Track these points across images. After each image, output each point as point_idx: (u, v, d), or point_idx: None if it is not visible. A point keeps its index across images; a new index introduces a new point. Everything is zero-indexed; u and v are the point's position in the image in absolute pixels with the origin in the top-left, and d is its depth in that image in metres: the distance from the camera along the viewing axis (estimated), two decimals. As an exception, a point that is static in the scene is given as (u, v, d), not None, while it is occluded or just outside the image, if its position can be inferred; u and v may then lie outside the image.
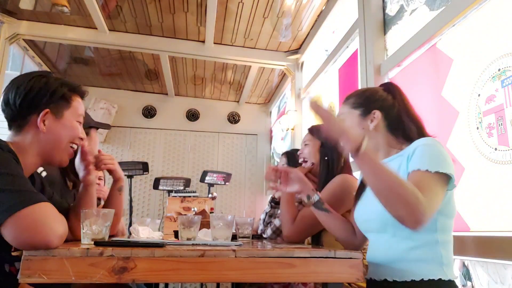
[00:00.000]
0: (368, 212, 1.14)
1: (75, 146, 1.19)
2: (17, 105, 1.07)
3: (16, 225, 0.84)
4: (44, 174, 1.39)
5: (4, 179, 0.90)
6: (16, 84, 1.10)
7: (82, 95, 1.20)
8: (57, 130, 1.11)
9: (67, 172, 1.55)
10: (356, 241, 1.31)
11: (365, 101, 1.23)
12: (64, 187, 1.58)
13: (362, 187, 1.24)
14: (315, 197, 1.33)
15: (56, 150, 1.12)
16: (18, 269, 0.83)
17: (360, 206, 1.21)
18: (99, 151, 1.43)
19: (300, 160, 1.76)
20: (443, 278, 1.00)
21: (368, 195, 1.17)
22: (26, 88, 1.08)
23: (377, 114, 1.18)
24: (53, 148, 1.11)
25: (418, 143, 1.05)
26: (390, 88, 1.26)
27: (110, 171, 1.46)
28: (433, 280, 0.99)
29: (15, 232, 0.85)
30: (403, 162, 1.06)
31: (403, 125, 1.17)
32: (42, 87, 1.09)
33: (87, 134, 1.49)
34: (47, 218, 0.87)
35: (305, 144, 1.76)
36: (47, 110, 1.08)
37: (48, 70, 4.26)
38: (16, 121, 1.09)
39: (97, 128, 1.73)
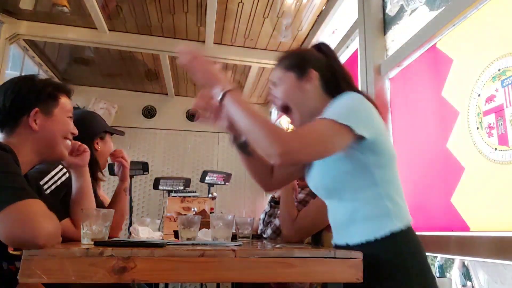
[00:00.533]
0: (315, 180, 1.14)
1: (69, 143, 1.24)
2: (7, 109, 1.12)
3: (5, 220, 0.85)
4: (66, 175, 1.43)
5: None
6: (3, 89, 1.16)
7: (67, 93, 1.26)
8: (50, 126, 1.16)
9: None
10: (271, 183, 1.31)
11: (300, 61, 1.17)
12: None
13: None
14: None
15: (51, 146, 1.17)
16: (18, 268, 0.83)
17: (310, 175, 1.19)
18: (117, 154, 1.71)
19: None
20: (395, 230, 0.98)
21: (315, 164, 1.15)
22: (14, 91, 1.14)
23: (314, 73, 1.14)
24: (48, 144, 1.16)
25: (337, 98, 1.05)
26: (322, 47, 1.22)
27: (123, 168, 1.71)
28: (386, 236, 0.98)
29: (4, 227, 0.85)
30: None
31: (337, 84, 1.13)
32: (29, 89, 1.16)
33: (102, 138, 1.58)
34: (35, 214, 0.87)
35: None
36: (37, 109, 1.14)
37: (48, 70, 4.26)
38: (7, 124, 1.14)
39: (112, 134, 1.77)
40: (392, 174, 1.06)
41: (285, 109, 1.18)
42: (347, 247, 1.05)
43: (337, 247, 1.10)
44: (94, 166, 1.57)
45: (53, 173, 1.38)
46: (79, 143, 1.35)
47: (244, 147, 1.24)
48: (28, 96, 1.14)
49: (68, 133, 1.22)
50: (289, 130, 1.80)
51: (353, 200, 1.03)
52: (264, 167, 1.29)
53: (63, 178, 1.40)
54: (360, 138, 0.98)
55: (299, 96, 1.13)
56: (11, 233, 0.85)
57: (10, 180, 0.93)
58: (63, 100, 1.22)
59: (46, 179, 1.34)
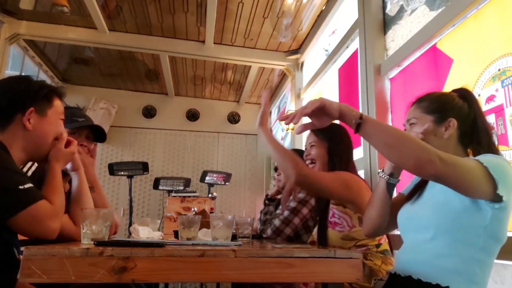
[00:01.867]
0: (413, 211, 1.12)
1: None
2: (2, 106, 1.15)
3: (19, 223, 0.99)
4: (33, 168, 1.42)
5: (13, 177, 1.02)
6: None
7: (61, 96, 1.29)
8: (43, 127, 1.19)
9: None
10: (383, 228, 1.25)
11: (440, 107, 1.14)
12: None
13: (414, 191, 1.20)
14: None
15: (42, 146, 1.20)
16: None
17: (407, 206, 1.17)
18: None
19: (308, 162, 1.73)
20: None
21: (419, 200, 1.13)
22: (11, 90, 1.17)
23: (453, 122, 1.11)
24: (39, 144, 1.19)
25: (488, 154, 1.01)
26: (466, 95, 1.17)
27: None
28: None
29: (20, 228, 1.01)
30: None
31: (475, 137, 1.10)
32: (25, 88, 1.18)
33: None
34: (46, 218, 1.03)
35: (312, 145, 1.74)
36: (32, 108, 1.16)
37: (48, 70, 4.26)
38: (0, 121, 1.16)
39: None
40: (495, 249, 1.02)
41: None
42: (409, 279, 1.03)
43: (395, 275, 1.07)
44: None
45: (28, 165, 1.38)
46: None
47: (392, 186, 1.19)
48: (25, 95, 1.17)
49: (59, 134, 1.25)
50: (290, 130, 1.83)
51: (448, 247, 1.00)
52: (388, 209, 1.22)
53: (33, 168, 1.40)
54: (497, 199, 0.95)
55: (433, 141, 1.08)
56: (27, 233, 1.02)
57: (16, 181, 1.00)
58: (57, 103, 1.25)
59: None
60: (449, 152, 1.02)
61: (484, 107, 1.42)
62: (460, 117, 1.12)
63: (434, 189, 1.09)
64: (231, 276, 0.87)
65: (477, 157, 0.99)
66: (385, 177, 1.16)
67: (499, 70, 1.38)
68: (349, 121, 1.02)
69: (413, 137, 0.98)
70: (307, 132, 1.84)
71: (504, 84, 1.34)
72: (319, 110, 1.04)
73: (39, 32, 3.49)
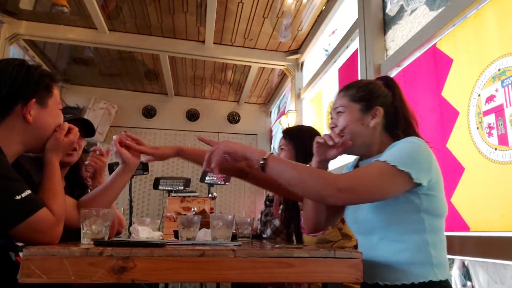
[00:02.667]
0: (356, 214, 1.12)
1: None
2: (2, 96, 1.04)
3: (21, 233, 0.95)
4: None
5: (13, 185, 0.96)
6: None
7: (57, 83, 1.20)
8: (45, 119, 1.11)
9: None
10: (323, 222, 1.26)
11: (367, 95, 1.14)
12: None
13: None
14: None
15: (42, 138, 1.12)
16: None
17: (350, 209, 1.17)
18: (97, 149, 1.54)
19: None
20: (434, 280, 0.98)
21: None
22: (10, 78, 1.06)
23: (379, 110, 1.12)
24: (39, 136, 1.11)
25: (399, 141, 1.03)
26: (390, 83, 1.19)
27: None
28: (424, 282, 0.98)
29: (22, 237, 0.97)
30: None
31: (399, 125, 1.12)
32: (25, 77, 1.08)
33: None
34: (47, 229, 0.99)
35: (281, 149, 1.73)
36: (34, 99, 1.07)
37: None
38: None
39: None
40: (440, 224, 1.06)
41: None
42: (378, 286, 1.03)
43: (365, 284, 1.06)
44: None
45: None
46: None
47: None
48: (26, 85, 1.07)
49: (58, 125, 1.16)
50: None
51: (398, 242, 1.02)
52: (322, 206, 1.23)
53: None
54: (418, 184, 0.98)
55: (359, 129, 1.11)
56: (28, 242, 0.95)
57: (12, 191, 0.94)
58: (55, 91, 1.16)
59: None
60: (375, 141, 1.11)
61: (484, 107, 1.42)
62: (385, 106, 1.13)
63: None
64: (231, 276, 0.87)
65: (384, 156, 1.00)
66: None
67: (499, 70, 1.38)
68: (254, 163, 1.07)
69: (313, 171, 1.05)
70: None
71: (504, 84, 1.34)
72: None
73: (39, 32, 3.49)
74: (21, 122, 1.06)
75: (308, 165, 1.26)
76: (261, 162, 1.05)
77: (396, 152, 1.00)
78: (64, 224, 1.07)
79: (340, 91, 1.22)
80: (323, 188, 0.97)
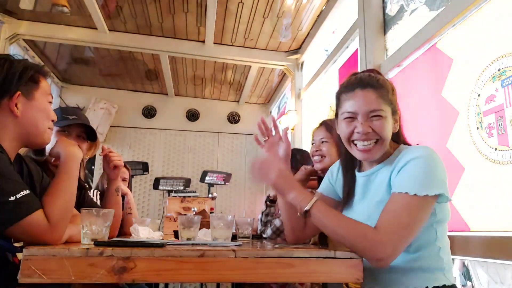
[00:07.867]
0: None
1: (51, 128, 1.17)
2: None
3: (17, 233, 0.93)
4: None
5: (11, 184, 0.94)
6: None
7: (46, 76, 1.19)
8: (32, 113, 1.09)
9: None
10: (304, 233, 1.23)
11: (394, 97, 1.06)
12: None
13: (351, 195, 1.16)
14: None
15: (34, 134, 1.10)
16: (20, 260, 0.83)
17: (353, 216, 1.10)
18: (104, 149, 1.53)
19: (317, 158, 1.70)
20: (446, 284, 0.98)
21: (360, 205, 1.11)
22: None
23: (399, 113, 1.06)
24: (31, 131, 1.09)
25: (411, 155, 0.98)
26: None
27: (116, 168, 1.55)
28: (438, 287, 0.97)
29: (23, 236, 0.95)
30: (394, 172, 1.00)
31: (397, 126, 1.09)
32: (9, 71, 1.07)
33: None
34: (38, 234, 0.95)
35: (323, 141, 1.70)
36: (19, 92, 1.06)
37: (48, 70, 4.26)
38: None
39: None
40: (446, 227, 1.05)
41: (375, 141, 1.05)
42: None
43: None
44: None
45: None
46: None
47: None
48: (9, 78, 1.06)
49: (49, 120, 1.15)
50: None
51: (415, 252, 1.00)
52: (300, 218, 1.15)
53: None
54: (440, 196, 0.95)
55: (390, 133, 1.04)
56: (25, 242, 0.94)
57: (7, 191, 0.92)
58: (43, 83, 1.14)
59: None
60: (386, 146, 1.03)
61: (484, 107, 1.42)
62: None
63: (373, 202, 1.06)
64: (231, 276, 0.87)
65: (401, 188, 0.94)
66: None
67: (499, 70, 1.38)
68: (296, 208, 1.02)
69: (352, 228, 0.94)
70: (309, 130, 1.81)
71: (504, 84, 1.34)
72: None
73: (39, 32, 3.49)
74: (10, 117, 1.05)
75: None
76: (307, 207, 0.98)
77: (418, 178, 0.94)
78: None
79: (366, 86, 1.05)
80: (364, 248, 0.90)
